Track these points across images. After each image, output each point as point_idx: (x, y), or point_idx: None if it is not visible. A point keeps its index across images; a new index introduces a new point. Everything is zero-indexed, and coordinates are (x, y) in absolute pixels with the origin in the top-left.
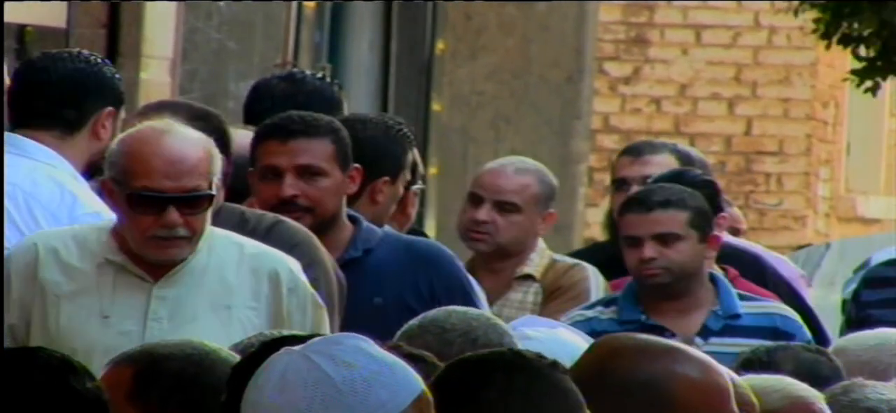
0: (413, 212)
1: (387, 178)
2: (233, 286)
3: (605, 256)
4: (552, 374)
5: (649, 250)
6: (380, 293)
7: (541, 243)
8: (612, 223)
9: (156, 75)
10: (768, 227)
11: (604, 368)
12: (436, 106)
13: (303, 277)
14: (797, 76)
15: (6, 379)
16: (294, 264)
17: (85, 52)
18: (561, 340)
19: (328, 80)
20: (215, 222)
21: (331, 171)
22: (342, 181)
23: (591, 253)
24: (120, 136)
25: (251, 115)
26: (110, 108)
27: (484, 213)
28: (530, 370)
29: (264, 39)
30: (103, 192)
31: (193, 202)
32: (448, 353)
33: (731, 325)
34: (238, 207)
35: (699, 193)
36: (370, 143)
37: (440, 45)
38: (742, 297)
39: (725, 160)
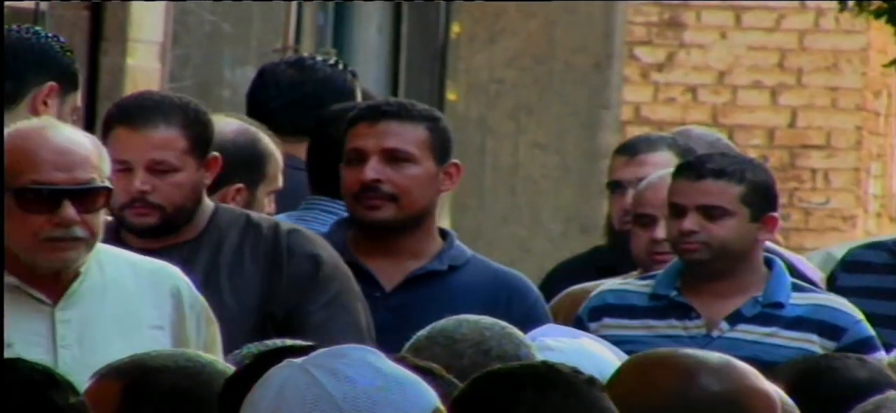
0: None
1: None
2: (136, 305)
3: (605, 262)
4: (589, 392)
5: (691, 222)
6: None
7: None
8: (611, 229)
9: (144, 61)
10: (814, 228)
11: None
12: (451, 95)
13: (196, 290)
14: (846, 63)
15: None
16: (186, 277)
17: (40, 28)
18: (586, 351)
19: (341, 66)
20: (213, 226)
21: (421, 160)
22: (435, 174)
23: (591, 258)
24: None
25: (255, 103)
26: (52, 84)
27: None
28: (565, 386)
29: (262, 22)
30: None
31: (89, 196)
32: (458, 365)
33: (768, 314)
34: (241, 210)
35: (763, 169)
36: None
37: (455, 28)
38: (797, 288)
39: (768, 154)
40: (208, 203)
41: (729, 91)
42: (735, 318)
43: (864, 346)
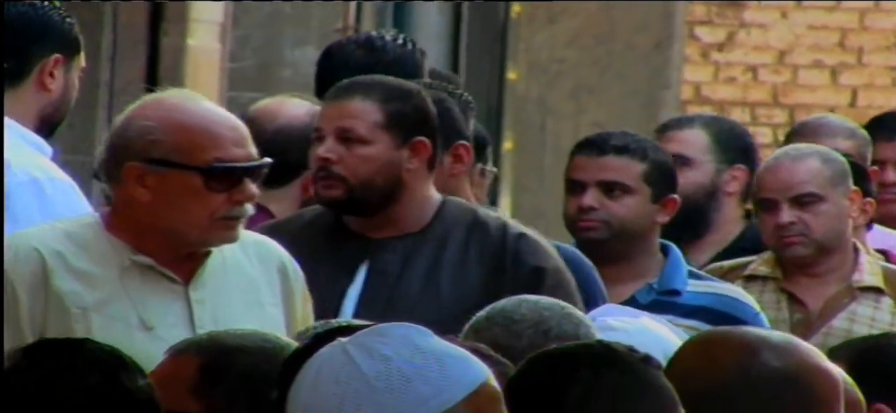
0: (481, 194)
1: (465, 143)
2: (255, 281)
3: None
4: (645, 371)
5: (590, 198)
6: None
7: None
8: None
9: (204, 42)
10: None
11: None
12: (511, 75)
13: (296, 264)
14: None
15: (51, 372)
16: (285, 250)
17: None
18: (649, 331)
19: (410, 45)
20: (439, 221)
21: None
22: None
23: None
24: (138, 111)
25: (324, 84)
26: (57, 56)
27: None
28: (621, 365)
29: (323, 2)
30: (123, 184)
31: (259, 172)
32: (517, 345)
33: (664, 301)
34: (469, 205)
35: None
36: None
37: (516, 8)
38: (695, 277)
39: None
40: (435, 196)
41: (789, 70)
42: (630, 305)
43: None
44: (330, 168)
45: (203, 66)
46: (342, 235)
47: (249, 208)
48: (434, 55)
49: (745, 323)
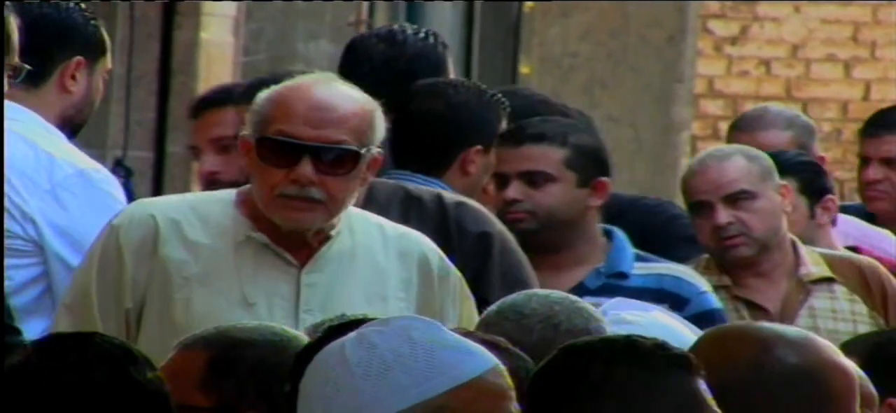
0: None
1: (479, 147)
2: (385, 273)
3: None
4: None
5: (514, 191)
6: None
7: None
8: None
9: (217, 35)
10: None
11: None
12: (524, 68)
13: (450, 262)
14: None
15: (61, 366)
16: (438, 249)
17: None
18: (662, 325)
19: (432, 39)
20: (371, 203)
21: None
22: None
23: None
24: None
25: (346, 77)
26: (79, 58)
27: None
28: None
29: None
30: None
31: (333, 157)
32: (528, 340)
33: (612, 285)
34: (395, 182)
35: (590, 132)
36: (463, 109)
37: (529, 3)
38: (641, 258)
39: (841, 128)
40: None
41: (802, 64)
42: (579, 291)
43: (709, 318)
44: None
45: (216, 59)
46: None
47: (314, 192)
48: None
49: (685, 299)
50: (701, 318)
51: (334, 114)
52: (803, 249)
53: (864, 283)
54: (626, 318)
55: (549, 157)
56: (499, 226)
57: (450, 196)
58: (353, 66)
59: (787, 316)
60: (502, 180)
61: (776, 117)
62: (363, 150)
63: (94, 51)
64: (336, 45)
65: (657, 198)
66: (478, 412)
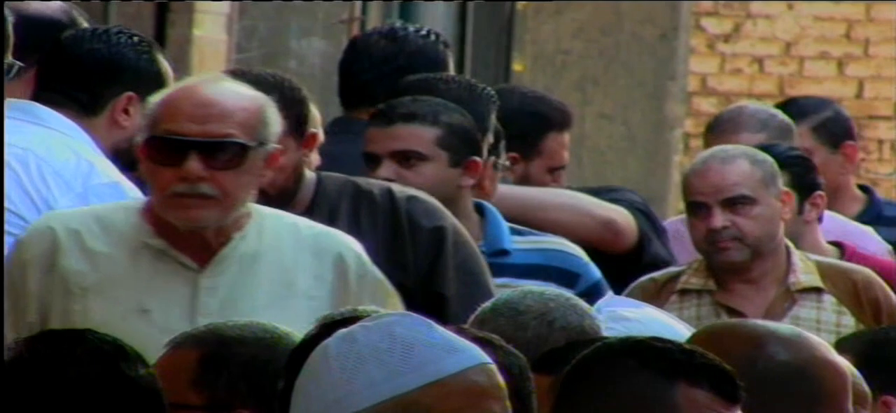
0: (492, 187)
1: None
2: (292, 274)
3: None
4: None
5: (386, 171)
6: None
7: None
8: None
9: (211, 32)
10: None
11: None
12: (517, 66)
13: (371, 262)
14: None
15: (53, 362)
16: (360, 247)
17: (114, 28)
18: (659, 321)
19: (433, 37)
20: (321, 197)
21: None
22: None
23: None
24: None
25: (348, 75)
26: (130, 94)
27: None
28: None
29: None
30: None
31: (220, 151)
32: (523, 337)
33: (495, 263)
34: (344, 177)
35: (462, 112)
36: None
37: (522, 0)
38: (515, 231)
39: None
40: (310, 175)
41: (796, 62)
42: None
43: (597, 290)
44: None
45: (209, 56)
46: None
47: (204, 188)
48: None
49: (576, 274)
50: (592, 292)
51: (218, 108)
52: (797, 257)
53: (855, 296)
54: (624, 314)
55: (420, 136)
56: (451, 219)
57: (400, 190)
58: (353, 62)
59: None
60: (374, 160)
61: (749, 119)
62: (253, 144)
63: (145, 85)
64: (329, 43)
65: (609, 185)
66: (452, 409)
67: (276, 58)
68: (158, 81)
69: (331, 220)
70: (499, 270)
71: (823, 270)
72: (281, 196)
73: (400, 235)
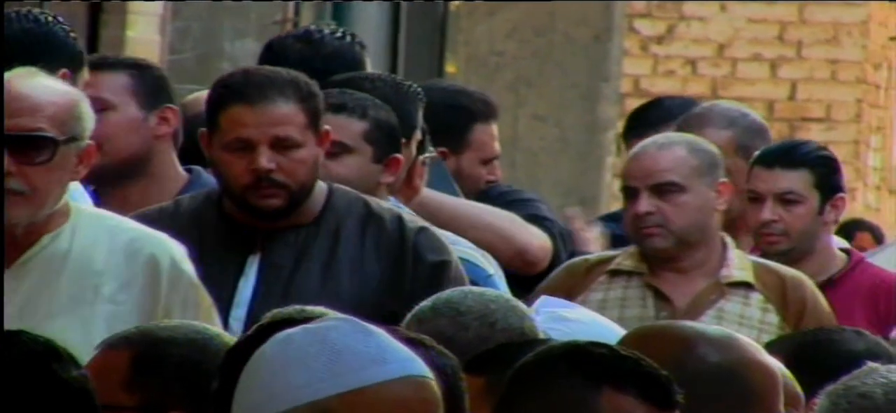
0: (422, 184)
1: (402, 139)
2: (100, 278)
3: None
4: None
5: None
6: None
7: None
8: None
9: (144, 33)
10: None
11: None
12: (450, 67)
13: (188, 266)
14: (846, 35)
15: None
16: (178, 250)
17: (36, 10)
18: (598, 323)
19: (349, 38)
20: (330, 210)
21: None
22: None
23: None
24: None
25: None
26: (64, 71)
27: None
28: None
29: None
30: None
31: (29, 145)
32: (464, 337)
33: None
34: (357, 194)
35: (388, 110)
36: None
37: (455, 1)
38: None
39: (768, 127)
40: (321, 184)
41: (729, 64)
42: None
43: None
44: (272, 178)
45: (142, 56)
46: (229, 226)
47: (12, 183)
48: (373, 48)
49: (476, 285)
50: None
51: (27, 102)
52: (734, 253)
53: (782, 296)
54: (566, 315)
55: (348, 128)
56: (455, 256)
57: (411, 219)
58: (271, 64)
59: (694, 313)
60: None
61: (718, 116)
62: (63, 139)
63: (75, 62)
64: (262, 44)
65: (508, 186)
66: None
67: (209, 59)
68: (81, 61)
69: (335, 237)
70: None
71: (757, 269)
72: (301, 192)
73: (402, 265)
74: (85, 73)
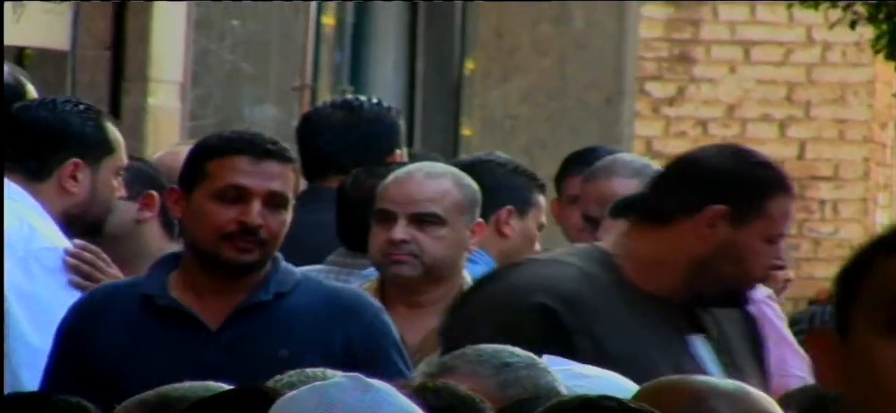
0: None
1: (511, 208)
2: None
3: None
4: None
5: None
6: (287, 345)
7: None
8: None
9: (164, 100)
10: (824, 258)
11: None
12: (466, 130)
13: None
14: (853, 95)
15: None
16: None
17: (61, 98)
18: (612, 379)
19: (386, 105)
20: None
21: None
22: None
23: None
24: None
25: (306, 147)
26: (75, 160)
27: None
28: None
29: (281, 60)
30: None
31: None
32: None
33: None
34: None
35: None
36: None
37: (470, 65)
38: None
39: None
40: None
41: (738, 124)
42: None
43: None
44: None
45: (164, 124)
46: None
47: None
48: None
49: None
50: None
51: None
52: None
53: None
54: (584, 371)
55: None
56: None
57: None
58: (313, 135)
59: (426, 349)
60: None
61: (623, 167)
62: None
63: (92, 152)
64: (281, 109)
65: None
66: None
67: (230, 125)
68: (105, 147)
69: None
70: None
71: None
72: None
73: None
74: (116, 159)
